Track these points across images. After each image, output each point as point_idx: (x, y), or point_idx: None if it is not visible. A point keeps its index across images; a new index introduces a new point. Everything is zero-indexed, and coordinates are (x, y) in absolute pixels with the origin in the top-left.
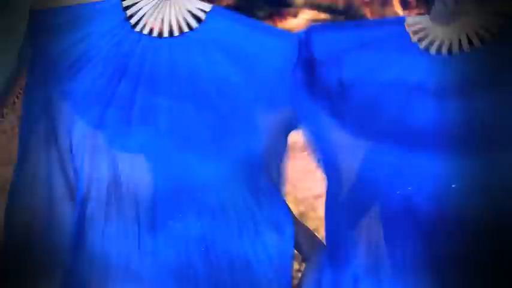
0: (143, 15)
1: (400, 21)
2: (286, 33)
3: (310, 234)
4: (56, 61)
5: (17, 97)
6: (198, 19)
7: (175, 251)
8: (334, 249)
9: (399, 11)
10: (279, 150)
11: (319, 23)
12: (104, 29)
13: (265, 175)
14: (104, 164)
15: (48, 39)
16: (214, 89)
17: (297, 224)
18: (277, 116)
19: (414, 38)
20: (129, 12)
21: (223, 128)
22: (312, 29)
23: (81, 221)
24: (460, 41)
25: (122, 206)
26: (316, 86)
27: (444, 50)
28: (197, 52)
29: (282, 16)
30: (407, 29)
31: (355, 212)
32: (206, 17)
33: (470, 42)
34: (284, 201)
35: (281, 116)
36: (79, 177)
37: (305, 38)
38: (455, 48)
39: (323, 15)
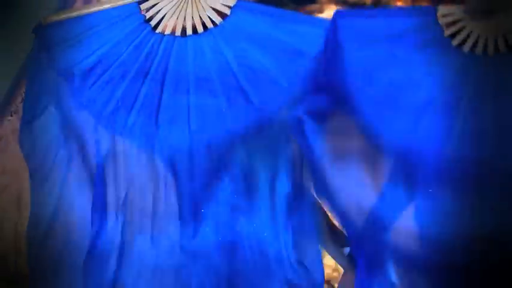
0: (163, 16)
1: (432, 11)
2: (318, 19)
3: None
4: (72, 73)
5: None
6: (222, 15)
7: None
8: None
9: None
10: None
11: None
12: (122, 34)
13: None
14: (135, 171)
15: (63, 51)
16: (246, 81)
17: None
18: (311, 103)
19: (447, 32)
20: (148, 14)
21: (259, 122)
22: (339, 14)
23: (123, 231)
24: (496, 40)
25: (158, 210)
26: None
27: (479, 49)
28: (225, 45)
29: (307, 12)
30: (439, 20)
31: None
32: (231, 12)
33: (506, 43)
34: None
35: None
36: (106, 190)
37: (331, 24)
38: (490, 48)
39: None
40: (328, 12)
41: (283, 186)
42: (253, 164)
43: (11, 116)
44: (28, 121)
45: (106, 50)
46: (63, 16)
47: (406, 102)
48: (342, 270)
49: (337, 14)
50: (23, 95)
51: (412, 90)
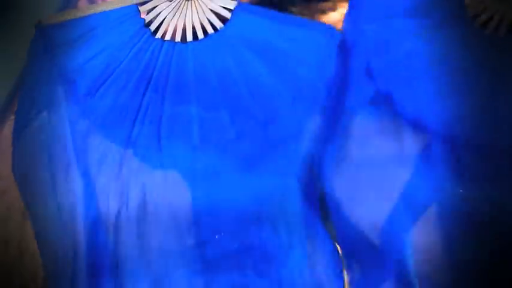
0: (163, 20)
1: None
2: (323, 25)
3: None
4: (73, 79)
5: None
6: (222, 18)
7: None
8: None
9: None
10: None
11: None
12: (122, 39)
13: (316, 185)
14: (135, 184)
15: (62, 56)
16: (247, 92)
17: None
18: (321, 116)
19: (471, 12)
20: (147, 18)
21: (262, 135)
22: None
23: (117, 244)
24: None
25: (158, 225)
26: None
27: (503, 30)
28: (225, 53)
29: (320, 10)
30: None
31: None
32: (232, 15)
33: None
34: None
35: (320, 119)
36: (103, 204)
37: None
38: None
39: None
40: (342, 10)
41: (295, 205)
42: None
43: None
44: (22, 127)
45: (106, 56)
46: (61, 18)
47: (424, 75)
48: None
49: None
50: None
51: (430, 66)
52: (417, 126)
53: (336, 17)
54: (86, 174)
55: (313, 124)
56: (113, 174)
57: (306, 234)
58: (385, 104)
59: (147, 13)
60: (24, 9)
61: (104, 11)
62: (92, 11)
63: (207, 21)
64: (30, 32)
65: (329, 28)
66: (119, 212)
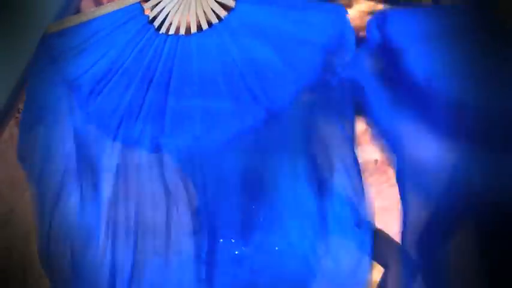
0: (167, 15)
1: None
2: (330, 5)
3: (386, 237)
4: (77, 86)
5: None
6: (227, 8)
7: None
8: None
9: None
10: (335, 139)
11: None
12: (126, 38)
13: (324, 167)
14: (147, 183)
15: (66, 65)
16: (253, 78)
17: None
18: (327, 99)
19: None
20: (151, 14)
21: (270, 126)
22: (386, 13)
23: (134, 252)
24: None
25: (171, 226)
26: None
27: None
28: (230, 42)
29: None
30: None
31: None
32: (236, 4)
33: None
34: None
35: (331, 99)
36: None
37: (378, 22)
38: None
39: (380, 6)
40: (358, 7)
41: (304, 186)
42: (268, 166)
43: (18, 113)
44: (27, 129)
45: (111, 56)
46: (66, 24)
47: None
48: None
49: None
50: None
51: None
52: None
53: (351, 13)
54: (95, 178)
55: (321, 108)
56: (120, 177)
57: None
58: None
59: (151, 9)
60: (25, 9)
61: (107, 13)
62: (95, 15)
63: (211, 11)
64: (32, 32)
65: (336, 7)
66: (124, 215)
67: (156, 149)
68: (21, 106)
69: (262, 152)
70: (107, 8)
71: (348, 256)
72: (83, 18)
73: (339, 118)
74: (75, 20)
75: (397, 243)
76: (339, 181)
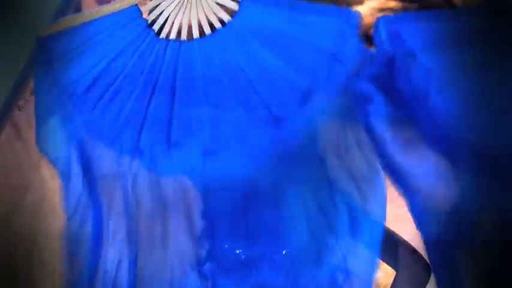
0: (167, 19)
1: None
2: (337, 9)
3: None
4: (74, 91)
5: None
6: (230, 11)
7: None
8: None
9: None
10: (343, 144)
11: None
12: (125, 43)
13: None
14: (147, 193)
15: (62, 68)
16: (262, 87)
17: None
18: (335, 104)
19: None
20: (150, 18)
21: (280, 133)
22: (397, 18)
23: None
24: None
25: (173, 232)
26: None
27: None
28: (234, 48)
29: (345, 4)
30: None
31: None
32: (239, 7)
33: None
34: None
35: (340, 104)
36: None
37: (389, 29)
38: None
39: (392, 3)
40: (369, 4)
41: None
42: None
43: (19, 110)
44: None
45: (109, 61)
46: (60, 27)
47: (489, 105)
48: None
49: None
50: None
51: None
52: None
53: (363, 10)
54: (92, 187)
55: (328, 113)
56: (119, 186)
57: None
58: None
59: (149, 13)
60: (22, 8)
61: (104, 16)
62: (91, 17)
63: (214, 15)
64: (29, 32)
65: (343, 11)
66: (127, 223)
67: (162, 159)
68: (21, 104)
69: (271, 157)
70: (104, 10)
71: (357, 257)
72: (78, 20)
73: (347, 123)
74: (70, 22)
75: (408, 244)
76: (348, 182)
